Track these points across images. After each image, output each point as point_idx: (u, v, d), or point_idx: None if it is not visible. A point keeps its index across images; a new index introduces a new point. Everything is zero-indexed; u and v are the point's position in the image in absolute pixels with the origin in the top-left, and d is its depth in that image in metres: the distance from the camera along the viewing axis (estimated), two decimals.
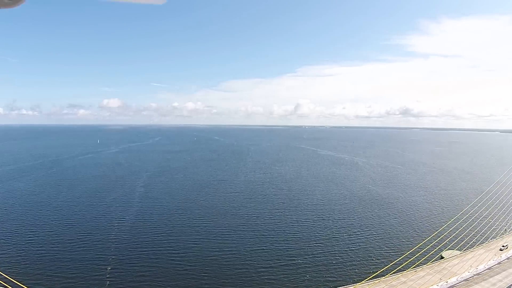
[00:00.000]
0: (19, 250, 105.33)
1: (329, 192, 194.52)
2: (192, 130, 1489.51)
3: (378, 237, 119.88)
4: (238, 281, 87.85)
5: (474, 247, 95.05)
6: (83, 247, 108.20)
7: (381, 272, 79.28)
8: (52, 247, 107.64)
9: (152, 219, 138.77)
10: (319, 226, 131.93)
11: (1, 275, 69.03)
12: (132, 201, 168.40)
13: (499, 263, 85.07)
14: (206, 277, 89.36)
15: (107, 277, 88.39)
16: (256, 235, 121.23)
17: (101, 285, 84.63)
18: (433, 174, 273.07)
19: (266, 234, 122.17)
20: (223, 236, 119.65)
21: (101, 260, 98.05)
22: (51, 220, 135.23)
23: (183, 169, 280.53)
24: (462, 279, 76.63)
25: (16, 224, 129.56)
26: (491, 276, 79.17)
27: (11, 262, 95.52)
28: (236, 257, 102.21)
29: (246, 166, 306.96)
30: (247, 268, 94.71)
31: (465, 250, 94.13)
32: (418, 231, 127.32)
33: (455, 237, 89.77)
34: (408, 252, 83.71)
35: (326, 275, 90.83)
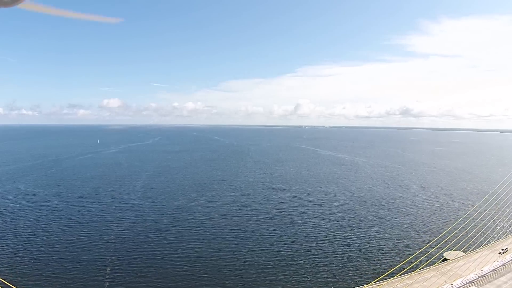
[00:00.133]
0: (18, 250, 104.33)
1: (329, 192, 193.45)
2: (192, 130, 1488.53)
3: (379, 238, 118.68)
4: (238, 282, 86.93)
5: (478, 248, 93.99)
6: (83, 247, 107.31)
7: (386, 275, 78.10)
8: (51, 248, 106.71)
9: (152, 220, 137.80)
10: (319, 226, 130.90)
11: None
12: (131, 201, 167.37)
13: (503, 264, 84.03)
14: (206, 278, 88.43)
15: (107, 278, 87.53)
16: (257, 235, 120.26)
17: (101, 286, 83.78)
18: (433, 174, 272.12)
19: (267, 234, 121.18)
20: (223, 236, 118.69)
21: (100, 261, 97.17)
22: (51, 220, 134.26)
23: (183, 169, 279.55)
24: (467, 281, 75.65)
25: (15, 224, 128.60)
26: (496, 278, 78.16)
27: (10, 263, 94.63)
28: (236, 257, 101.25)
29: (246, 166, 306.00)
30: (247, 269, 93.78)
31: (469, 251, 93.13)
32: (420, 231, 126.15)
33: (460, 239, 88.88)
34: (412, 254, 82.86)
35: (328, 277, 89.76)
